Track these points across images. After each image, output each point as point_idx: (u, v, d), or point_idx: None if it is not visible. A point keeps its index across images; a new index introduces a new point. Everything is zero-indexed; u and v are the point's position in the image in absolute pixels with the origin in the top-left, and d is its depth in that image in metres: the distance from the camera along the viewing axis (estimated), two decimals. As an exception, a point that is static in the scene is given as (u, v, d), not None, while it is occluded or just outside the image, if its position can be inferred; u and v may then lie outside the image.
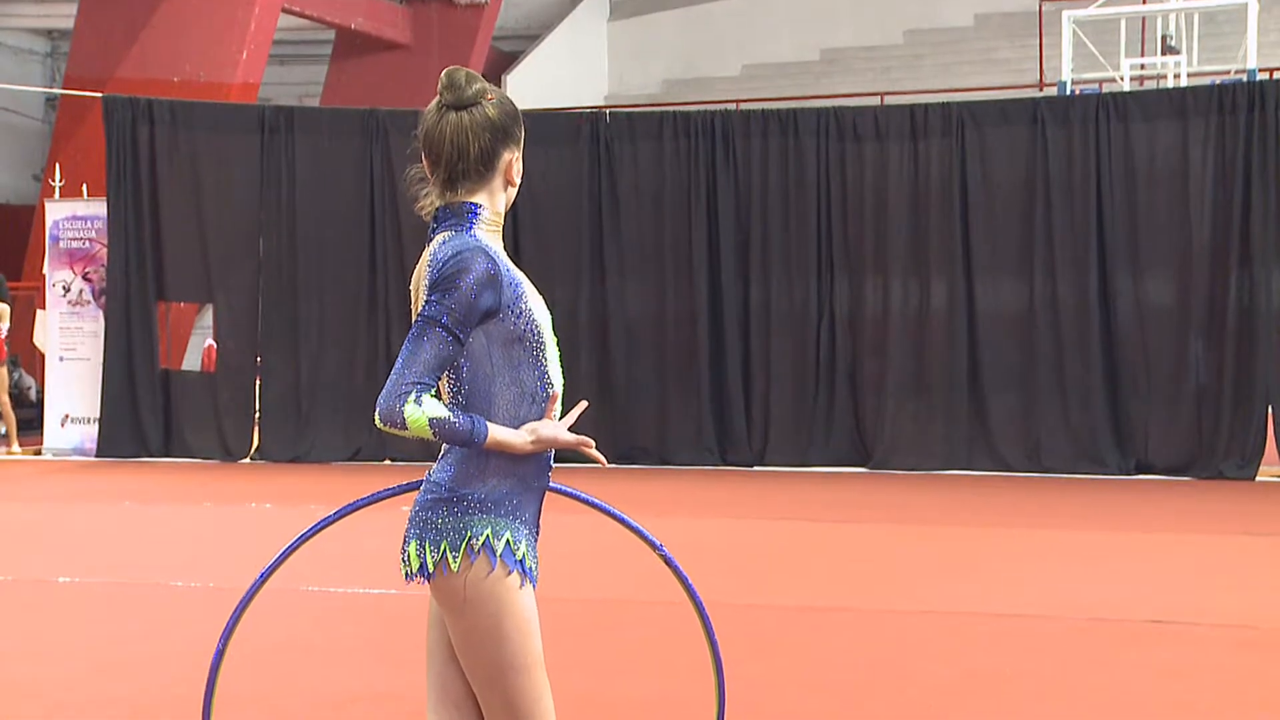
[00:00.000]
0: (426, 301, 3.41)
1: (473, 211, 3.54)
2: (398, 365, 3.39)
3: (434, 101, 3.58)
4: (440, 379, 3.46)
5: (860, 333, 15.45)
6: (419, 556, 3.46)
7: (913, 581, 9.33)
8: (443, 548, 3.44)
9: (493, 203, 3.58)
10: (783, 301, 15.60)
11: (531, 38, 28.19)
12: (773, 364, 15.62)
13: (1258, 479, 14.28)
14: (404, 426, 3.36)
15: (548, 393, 3.55)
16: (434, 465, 3.58)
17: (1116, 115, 14.92)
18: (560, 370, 3.62)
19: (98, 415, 17.06)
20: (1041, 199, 14.97)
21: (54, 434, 17.51)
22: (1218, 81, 15.97)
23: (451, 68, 3.62)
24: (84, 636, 7.88)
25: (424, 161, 3.59)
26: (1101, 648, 7.28)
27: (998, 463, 15.02)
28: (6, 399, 17.81)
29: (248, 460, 16.67)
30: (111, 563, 10.28)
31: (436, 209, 3.57)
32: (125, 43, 21.68)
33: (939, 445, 15.15)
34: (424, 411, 3.35)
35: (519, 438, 3.46)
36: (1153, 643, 7.42)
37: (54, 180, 18.58)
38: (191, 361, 18.71)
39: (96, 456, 16.91)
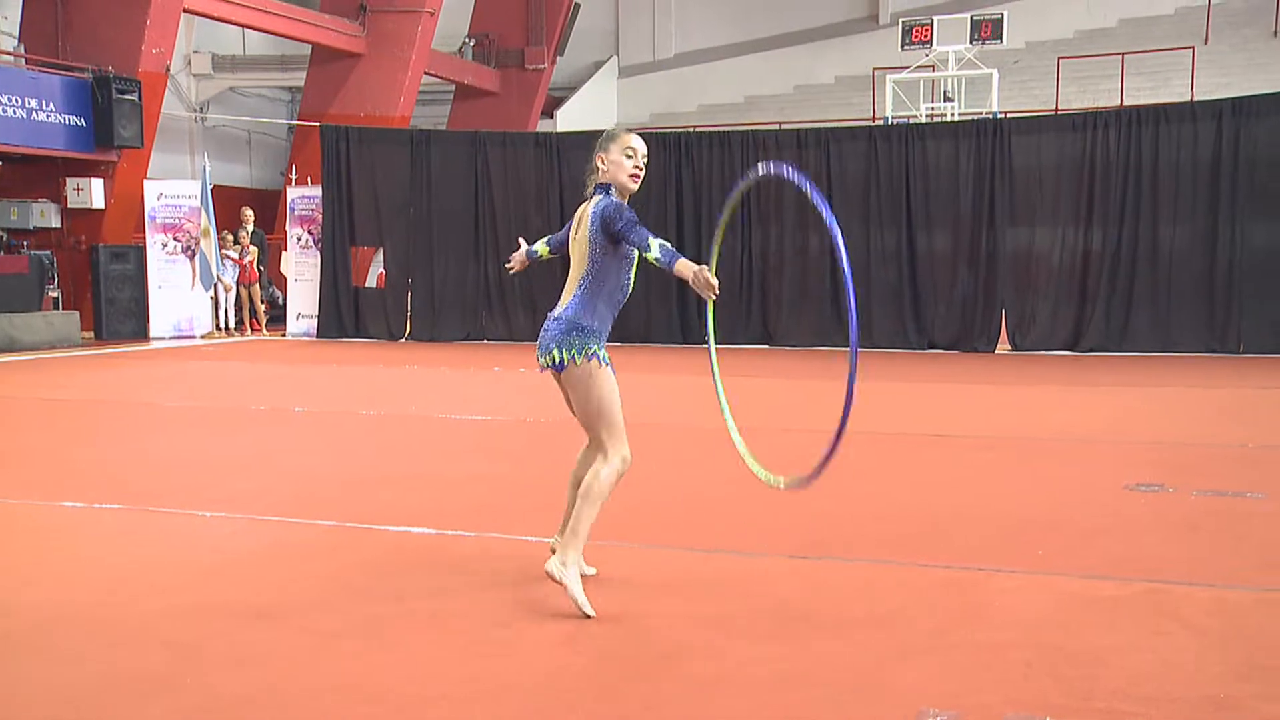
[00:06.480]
0: (619, 223, 3.84)
1: (608, 188, 4.05)
2: (639, 237, 3.79)
3: None
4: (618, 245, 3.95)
5: (767, 263, 15.35)
6: (559, 356, 3.93)
7: (796, 412, 9.39)
8: (572, 352, 3.92)
9: (616, 182, 4.05)
10: (721, 245, 15.38)
11: (572, 88, 27.90)
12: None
13: (996, 352, 14.33)
14: (648, 249, 3.76)
15: (624, 289, 4.04)
16: (560, 308, 3.99)
17: (917, 137, 14.82)
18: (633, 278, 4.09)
19: (317, 313, 17.05)
20: (874, 186, 14.82)
21: (292, 324, 17.50)
22: (975, 118, 16.00)
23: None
24: (307, 443, 7.95)
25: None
26: (902, 451, 7.32)
27: (847, 341, 14.87)
28: (259, 303, 17.93)
29: (403, 339, 16.63)
30: (324, 398, 10.38)
31: (595, 186, 4.08)
32: (332, 94, 21.65)
33: (813, 331, 15.06)
34: (658, 244, 3.76)
35: (689, 270, 3.70)
36: (931, 447, 7.49)
37: (292, 175, 18.55)
38: (370, 281, 18.66)
39: (316, 337, 16.92)
